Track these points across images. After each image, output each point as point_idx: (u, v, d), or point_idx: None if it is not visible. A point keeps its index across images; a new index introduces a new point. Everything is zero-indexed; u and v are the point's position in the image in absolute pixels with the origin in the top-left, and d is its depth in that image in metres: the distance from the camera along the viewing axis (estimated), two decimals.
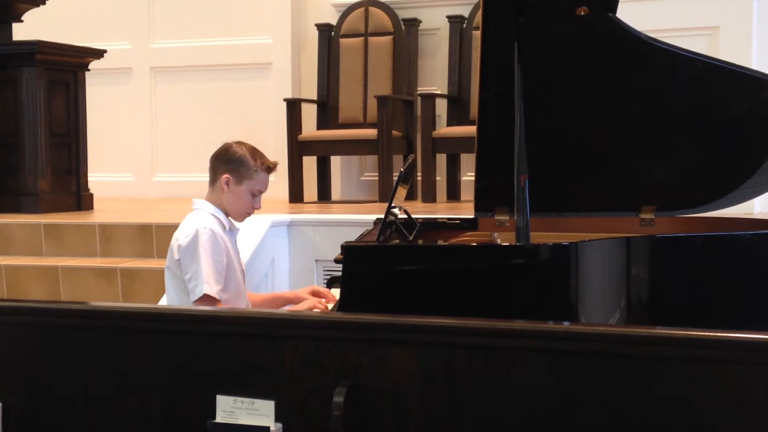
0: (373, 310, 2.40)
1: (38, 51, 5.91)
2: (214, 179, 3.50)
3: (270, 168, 3.49)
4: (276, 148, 6.19)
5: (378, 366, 1.99)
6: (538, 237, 2.93)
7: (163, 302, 4.09)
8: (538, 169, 2.80)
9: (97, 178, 6.60)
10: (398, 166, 6.26)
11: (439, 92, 6.60)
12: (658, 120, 3.22)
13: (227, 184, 3.44)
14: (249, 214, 3.54)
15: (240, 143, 3.52)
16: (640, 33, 3.07)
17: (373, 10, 6.86)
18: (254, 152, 3.48)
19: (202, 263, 3.30)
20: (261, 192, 3.49)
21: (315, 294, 3.54)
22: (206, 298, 3.29)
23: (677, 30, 5.32)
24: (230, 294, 3.42)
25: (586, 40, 3.13)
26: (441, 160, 6.55)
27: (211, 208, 3.46)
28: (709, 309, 2.94)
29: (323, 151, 6.72)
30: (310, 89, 7.07)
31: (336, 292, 3.34)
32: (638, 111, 3.22)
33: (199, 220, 3.39)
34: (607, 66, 3.16)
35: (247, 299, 3.59)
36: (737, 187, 3.29)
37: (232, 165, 3.45)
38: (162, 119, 7.62)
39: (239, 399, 2.03)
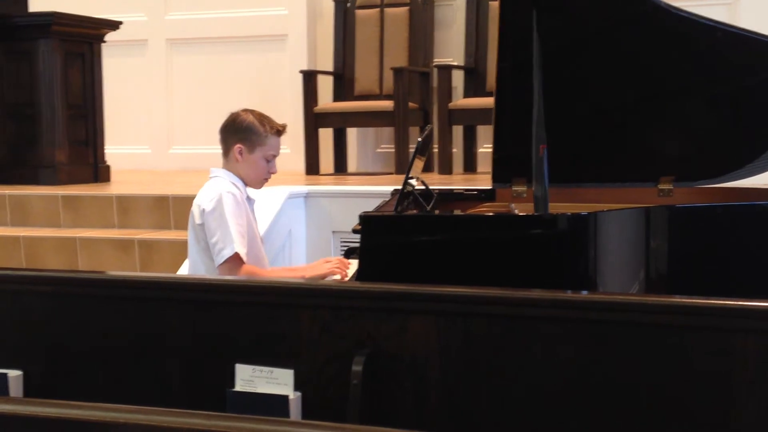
0: (391, 279, 2.40)
1: (54, 22, 5.90)
2: (226, 151, 3.51)
3: (279, 131, 3.50)
4: (292, 120, 6.11)
5: (396, 335, 2.00)
6: (555, 207, 2.91)
7: (184, 269, 4.12)
8: (556, 140, 2.78)
9: (113, 151, 6.60)
10: (414, 137, 6.23)
11: (455, 63, 6.56)
12: (678, 89, 3.19)
13: (240, 153, 3.45)
14: (266, 180, 3.56)
15: (246, 111, 3.52)
16: (659, 1, 3.04)
17: None
18: (262, 118, 3.49)
19: (229, 225, 3.32)
20: (274, 156, 3.51)
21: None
22: (236, 258, 3.31)
23: None
24: (251, 261, 3.43)
25: (605, 9, 3.10)
26: (457, 131, 6.52)
27: (230, 176, 3.48)
28: (728, 279, 2.92)
29: (339, 123, 6.70)
30: (325, 61, 7.03)
31: (354, 263, 3.34)
32: (658, 80, 3.19)
33: (221, 186, 3.41)
34: (626, 34, 3.13)
35: (268, 266, 3.60)
36: (757, 158, 3.26)
37: (243, 134, 3.45)
38: (178, 91, 7.61)
39: (258, 368, 2.03)
